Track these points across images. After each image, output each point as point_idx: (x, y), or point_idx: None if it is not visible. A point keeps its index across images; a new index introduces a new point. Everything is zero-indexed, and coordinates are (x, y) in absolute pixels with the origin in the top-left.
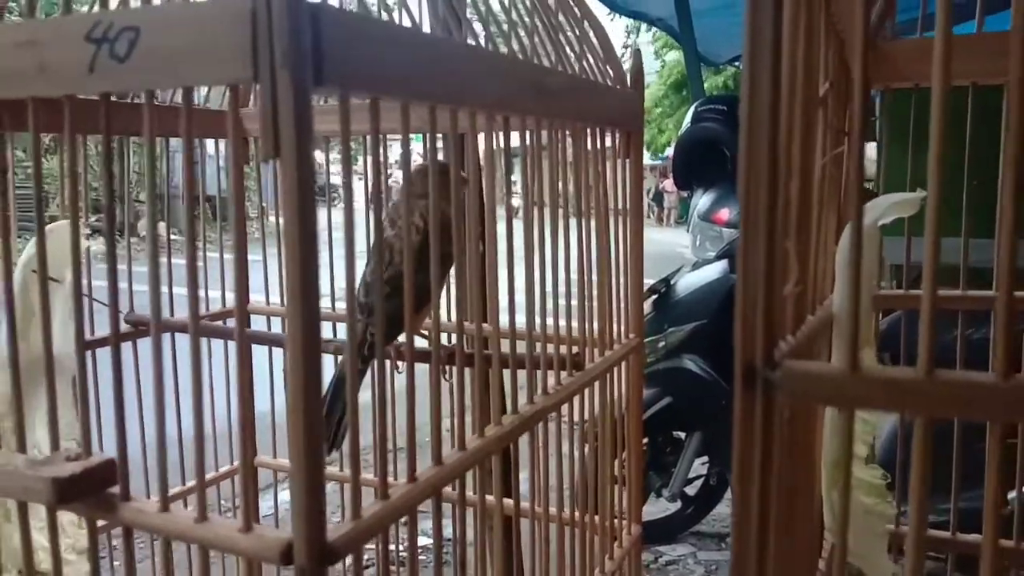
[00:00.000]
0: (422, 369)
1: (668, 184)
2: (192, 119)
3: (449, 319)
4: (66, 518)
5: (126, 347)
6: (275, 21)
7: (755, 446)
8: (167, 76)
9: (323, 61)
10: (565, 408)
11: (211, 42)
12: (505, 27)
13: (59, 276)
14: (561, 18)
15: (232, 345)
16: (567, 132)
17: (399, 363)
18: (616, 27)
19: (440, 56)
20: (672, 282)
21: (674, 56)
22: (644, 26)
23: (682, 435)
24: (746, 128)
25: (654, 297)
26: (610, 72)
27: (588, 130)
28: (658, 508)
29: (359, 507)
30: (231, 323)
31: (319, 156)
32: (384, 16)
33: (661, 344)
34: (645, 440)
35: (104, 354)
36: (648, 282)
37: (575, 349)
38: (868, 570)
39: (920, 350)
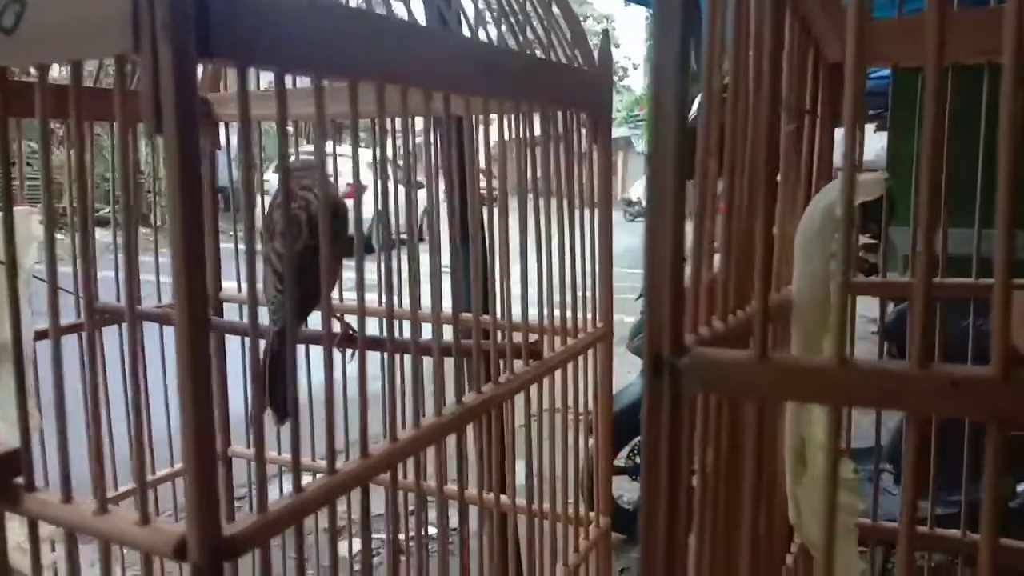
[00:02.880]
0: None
1: None
2: (82, 98)
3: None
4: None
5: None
6: None
7: (662, 436)
8: (53, 50)
9: (209, 29)
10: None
11: (94, 14)
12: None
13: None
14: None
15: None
16: (525, 113)
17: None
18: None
19: (363, 28)
20: None
21: None
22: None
23: None
24: (653, 105)
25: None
26: (578, 56)
27: (551, 113)
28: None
29: (265, 500)
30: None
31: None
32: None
33: None
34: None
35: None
36: (634, 272)
37: (533, 337)
38: (836, 566)
39: (833, 333)
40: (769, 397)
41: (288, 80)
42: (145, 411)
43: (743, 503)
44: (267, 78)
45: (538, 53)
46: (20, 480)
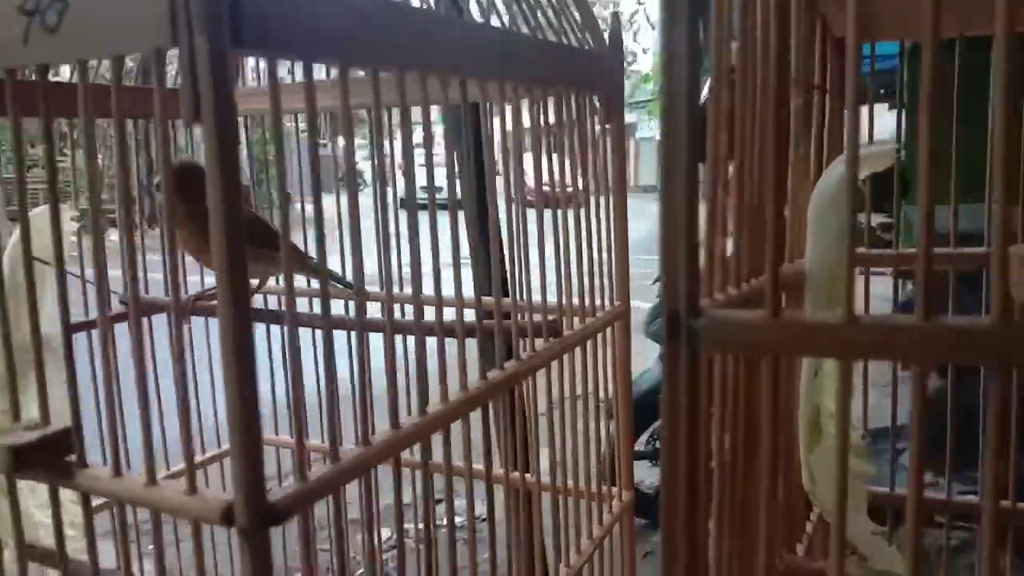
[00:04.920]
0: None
1: None
2: (121, 94)
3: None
4: (66, 496)
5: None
6: None
7: (681, 399)
8: (95, 46)
9: (241, 21)
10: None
11: (133, 10)
12: None
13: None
14: None
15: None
16: (540, 97)
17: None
18: None
19: (386, 17)
20: None
21: None
22: None
23: None
24: (664, 74)
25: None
26: (589, 39)
27: (565, 95)
28: None
29: (304, 470)
30: None
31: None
32: None
33: None
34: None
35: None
36: (650, 259)
37: (552, 317)
38: (848, 533)
39: (841, 290)
40: (782, 353)
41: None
42: (192, 392)
43: (761, 469)
44: (283, 70)
45: (550, 36)
46: (73, 457)
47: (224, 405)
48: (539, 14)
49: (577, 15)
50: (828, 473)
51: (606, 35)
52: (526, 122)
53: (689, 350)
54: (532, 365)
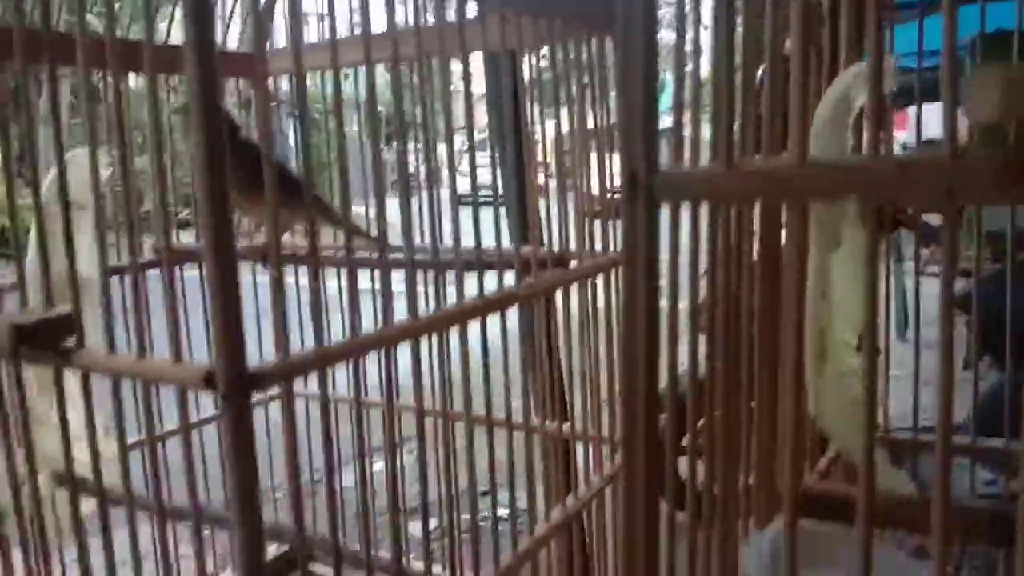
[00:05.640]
0: None
1: None
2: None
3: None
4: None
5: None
6: None
7: (640, 251)
8: None
9: None
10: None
11: None
12: None
13: (83, 203)
14: None
15: None
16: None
17: None
18: None
19: None
20: None
21: None
22: None
23: None
24: None
25: None
26: None
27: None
28: None
29: (288, 345)
30: None
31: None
32: None
33: None
34: None
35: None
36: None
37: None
38: (857, 459)
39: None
40: (739, 200)
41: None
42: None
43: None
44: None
45: None
46: (72, 341)
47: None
48: None
49: None
50: (835, 398)
51: None
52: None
53: (647, 203)
54: (546, 285)
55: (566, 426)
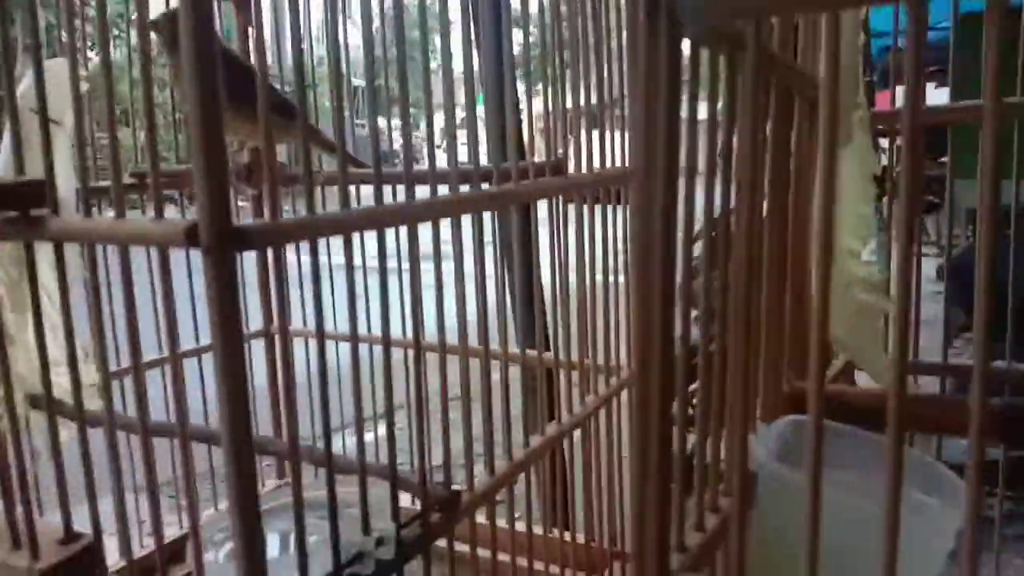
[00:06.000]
0: None
1: None
2: None
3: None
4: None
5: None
6: None
7: (661, 87)
8: None
9: None
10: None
11: None
12: None
13: (59, 118)
14: None
15: None
16: None
17: None
18: None
19: None
20: None
21: None
22: None
23: None
24: None
25: None
26: None
27: None
28: None
29: (279, 212)
30: None
31: None
32: None
33: None
34: None
35: None
36: None
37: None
38: (865, 367)
39: None
40: (770, 12)
41: None
42: None
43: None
44: None
45: None
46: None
47: None
48: None
49: None
50: (841, 308)
51: None
52: None
53: (670, 26)
54: (539, 188)
55: (547, 355)
